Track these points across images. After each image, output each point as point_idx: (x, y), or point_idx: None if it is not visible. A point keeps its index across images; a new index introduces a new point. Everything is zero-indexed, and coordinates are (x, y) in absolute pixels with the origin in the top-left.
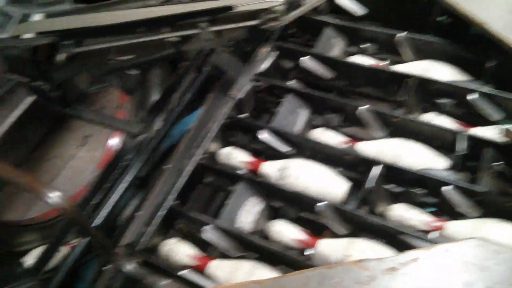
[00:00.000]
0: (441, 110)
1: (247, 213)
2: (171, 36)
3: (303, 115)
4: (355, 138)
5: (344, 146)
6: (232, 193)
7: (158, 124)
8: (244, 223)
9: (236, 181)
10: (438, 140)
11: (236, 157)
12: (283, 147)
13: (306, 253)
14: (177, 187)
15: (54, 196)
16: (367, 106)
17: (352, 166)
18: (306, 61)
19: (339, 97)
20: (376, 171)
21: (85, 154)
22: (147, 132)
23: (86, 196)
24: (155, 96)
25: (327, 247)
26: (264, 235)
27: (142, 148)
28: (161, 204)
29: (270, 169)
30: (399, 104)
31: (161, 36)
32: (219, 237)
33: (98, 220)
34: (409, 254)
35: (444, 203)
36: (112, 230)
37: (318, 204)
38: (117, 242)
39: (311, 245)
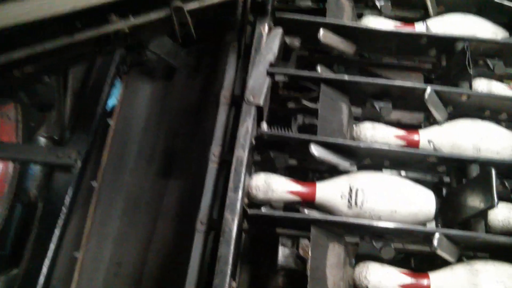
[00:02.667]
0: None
1: (336, 269)
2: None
3: (344, 108)
4: (408, 127)
5: (402, 140)
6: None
7: None
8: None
9: (301, 227)
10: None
11: (277, 187)
12: (343, 162)
13: None
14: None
15: None
16: (430, 86)
17: (432, 167)
18: (327, 36)
19: (382, 77)
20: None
21: None
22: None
23: None
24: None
25: (445, 282)
26: None
27: None
28: None
29: (331, 193)
30: (438, 74)
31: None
32: None
33: None
34: None
35: None
36: None
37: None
38: None
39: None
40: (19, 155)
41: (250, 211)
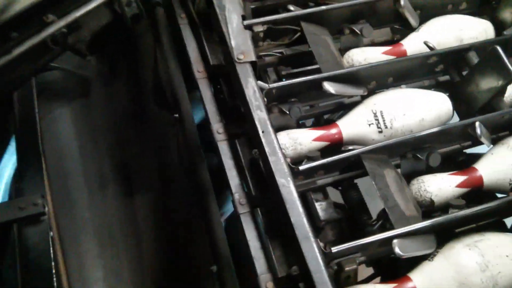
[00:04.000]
0: None
1: (401, 193)
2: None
3: (329, 41)
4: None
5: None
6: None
7: None
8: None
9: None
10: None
11: (303, 139)
12: (356, 90)
13: None
14: None
15: None
16: None
17: (431, 69)
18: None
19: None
20: None
21: None
22: None
23: None
24: None
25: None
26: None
27: None
28: None
29: (357, 124)
30: None
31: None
32: None
33: None
34: None
35: None
36: None
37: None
38: None
39: None
40: None
41: (301, 167)
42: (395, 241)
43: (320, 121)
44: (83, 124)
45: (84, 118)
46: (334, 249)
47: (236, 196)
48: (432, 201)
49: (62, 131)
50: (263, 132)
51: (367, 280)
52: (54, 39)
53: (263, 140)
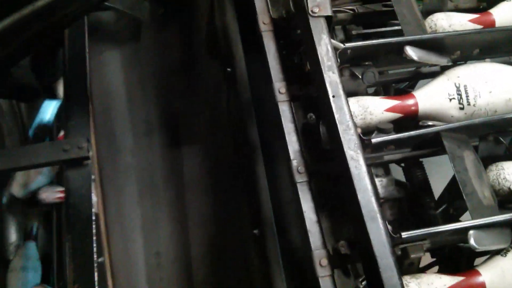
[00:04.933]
0: None
1: (479, 179)
2: None
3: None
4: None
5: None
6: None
7: None
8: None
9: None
10: None
11: (374, 108)
12: (440, 59)
13: None
14: None
15: None
16: None
17: None
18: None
19: None
20: None
21: None
22: None
23: None
24: None
25: None
26: None
27: None
28: None
29: (437, 97)
30: None
31: None
32: None
33: None
34: None
35: None
36: None
37: None
38: None
39: None
40: (15, 163)
41: (374, 139)
42: (471, 232)
43: (389, 91)
44: (132, 69)
45: (133, 62)
46: (404, 234)
47: (294, 163)
48: (510, 191)
49: (111, 74)
50: (333, 96)
51: (425, 268)
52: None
53: (333, 106)
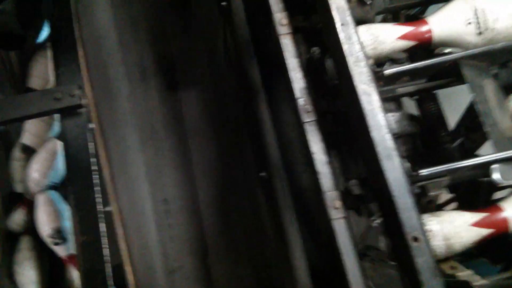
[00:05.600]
0: None
1: (500, 109)
2: None
3: None
4: None
5: None
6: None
7: None
8: None
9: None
10: None
11: (386, 36)
12: None
13: None
14: None
15: None
16: None
17: None
18: None
19: None
20: None
21: None
22: None
23: None
24: None
25: None
26: None
27: None
28: None
29: (453, 22)
30: None
31: None
32: None
33: None
34: None
35: None
36: None
37: None
38: None
39: None
40: (5, 115)
41: (387, 71)
42: (494, 166)
43: (399, 20)
44: (122, 9)
45: (124, 4)
46: (423, 172)
47: (301, 101)
48: None
49: (100, 15)
50: (342, 25)
51: (443, 205)
52: None
53: (341, 35)
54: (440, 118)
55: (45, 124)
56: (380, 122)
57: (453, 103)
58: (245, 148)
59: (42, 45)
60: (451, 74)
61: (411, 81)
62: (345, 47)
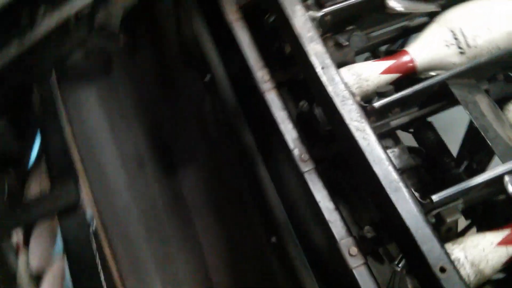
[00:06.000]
0: None
1: (498, 122)
2: None
3: None
4: None
5: None
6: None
7: None
8: None
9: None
10: None
11: (369, 73)
12: (427, 6)
13: None
14: None
15: None
16: None
17: None
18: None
19: None
20: None
21: None
22: None
23: None
24: None
25: None
26: None
27: None
28: None
29: (433, 48)
30: None
31: None
32: None
33: None
34: None
35: None
36: None
37: None
38: None
39: None
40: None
41: (376, 103)
42: (508, 178)
43: (377, 55)
44: (111, 103)
45: (111, 96)
46: (435, 197)
47: (296, 151)
48: None
49: (90, 112)
50: (322, 68)
51: (463, 233)
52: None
53: (323, 79)
54: (441, 145)
55: (49, 240)
56: (380, 155)
57: (453, 134)
58: (251, 214)
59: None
60: (442, 97)
61: (403, 111)
62: (330, 88)
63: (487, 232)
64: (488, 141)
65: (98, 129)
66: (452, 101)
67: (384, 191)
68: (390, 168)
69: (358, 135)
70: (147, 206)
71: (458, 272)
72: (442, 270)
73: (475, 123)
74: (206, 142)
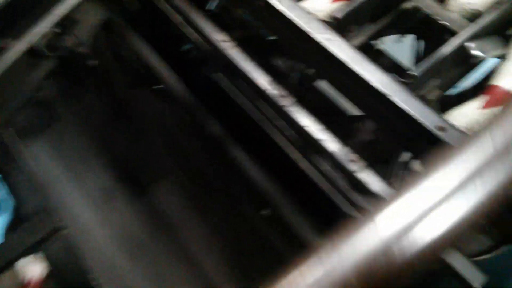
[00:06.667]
0: None
1: None
2: None
3: None
4: None
5: None
6: None
7: None
8: None
9: None
10: None
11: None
12: None
13: None
14: None
15: None
16: None
17: None
18: None
19: None
20: None
21: None
22: None
23: None
24: None
25: None
26: None
27: None
28: None
29: None
30: None
31: None
32: None
33: None
34: None
35: None
36: None
37: None
38: None
39: None
40: None
41: (338, 14)
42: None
43: None
44: (64, 151)
45: (63, 143)
46: (418, 72)
47: (275, 91)
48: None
49: (44, 164)
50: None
51: None
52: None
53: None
54: None
55: None
56: (356, 56)
57: None
58: (236, 201)
59: None
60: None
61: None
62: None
63: (469, 102)
64: None
65: (58, 178)
66: None
67: (372, 87)
68: (370, 65)
69: (330, 45)
70: (125, 234)
71: (457, 127)
72: (441, 128)
73: None
74: (172, 151)
